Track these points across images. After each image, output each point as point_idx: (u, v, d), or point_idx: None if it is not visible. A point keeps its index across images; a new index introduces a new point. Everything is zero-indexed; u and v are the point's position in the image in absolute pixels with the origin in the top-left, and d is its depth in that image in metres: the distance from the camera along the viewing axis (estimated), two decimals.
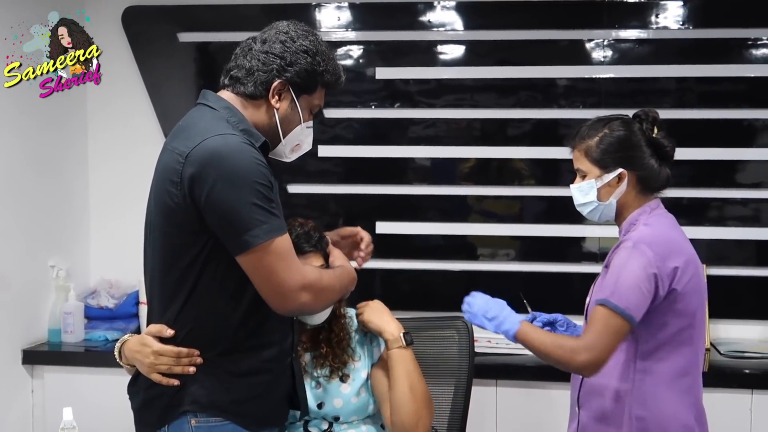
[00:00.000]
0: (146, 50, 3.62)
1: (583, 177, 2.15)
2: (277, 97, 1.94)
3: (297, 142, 2.02)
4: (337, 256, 2.21)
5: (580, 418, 2.17)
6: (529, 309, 2.36)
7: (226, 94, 1.97)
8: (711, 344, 3.31)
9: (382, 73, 3.52)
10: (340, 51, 3.50)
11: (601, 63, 3.42)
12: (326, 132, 3.52)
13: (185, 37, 3.61)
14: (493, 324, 2.09)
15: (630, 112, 3.39)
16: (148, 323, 1.99)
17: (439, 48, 3.51)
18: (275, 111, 1.94)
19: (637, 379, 2.05)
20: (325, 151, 3.52)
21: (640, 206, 2.12)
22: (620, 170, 2.10)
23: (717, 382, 3.01)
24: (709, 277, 3.35)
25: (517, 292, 2.42)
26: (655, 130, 2.14)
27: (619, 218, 2.16)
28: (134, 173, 3.56)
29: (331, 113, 3.52)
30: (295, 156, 2.06)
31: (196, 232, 1.83)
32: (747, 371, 3.08)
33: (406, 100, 3.53)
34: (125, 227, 3.55)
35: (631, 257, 2.00)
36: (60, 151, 3.53)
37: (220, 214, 1.79)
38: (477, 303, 2.13)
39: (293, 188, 3.56)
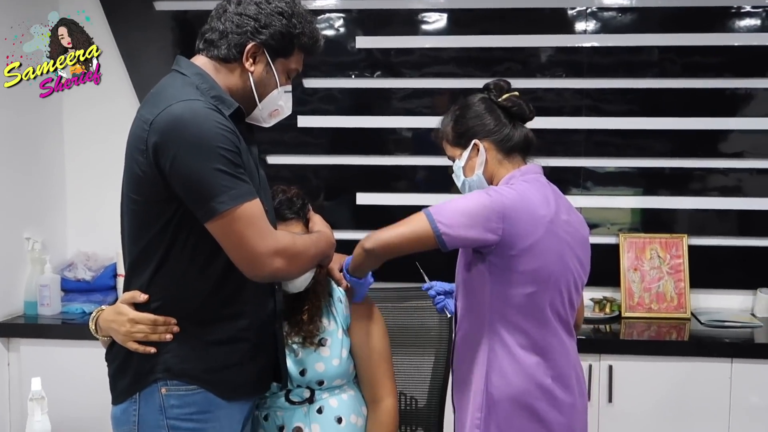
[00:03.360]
0: (122, 19, 3.56)
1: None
2: (251, 60, 1.89)
3: (275, 107, 1.98)
4: (316, 221, 2.19)
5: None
6: (426, 278, 2.34)
7: (200, 59, 1.93)
8: (692, 314, 3.33)
9: (363, 42, 3.48)
10: (320, 19, 3.45)
11: (584, 32, 3.40)
12: (306, 102, 3.48)
13: (161, 5, 3.56)
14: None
15: (613, 82, 3.42)
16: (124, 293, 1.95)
17: (420, 17, 3.47)
18: (249, 74, 1.90)
19: (490, 343, 2.02)
20: (304, 121, 3.49)
21: (509, 172, 2.09)
22: (473, 142, 2.09)
23: (697, 351, 3.04)
24: (691, 247, 3.38)
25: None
26: (504, 96, 2.11)
27: None
28: (110, 144, 3.47)
29: (310, 83, 3.48)
30: (275, 121, 2.03)
31: (165, 200, 1.79)
32: (727, 340, 3.09)
33: (386, 69, 3.49)
34: (102, 199, 3.51)
35: (475, 193, 2.01)
36: (35, 122, 3.47)
37: (185, 181, 1.75)
38: None
39: (273, 159, 3.52)
